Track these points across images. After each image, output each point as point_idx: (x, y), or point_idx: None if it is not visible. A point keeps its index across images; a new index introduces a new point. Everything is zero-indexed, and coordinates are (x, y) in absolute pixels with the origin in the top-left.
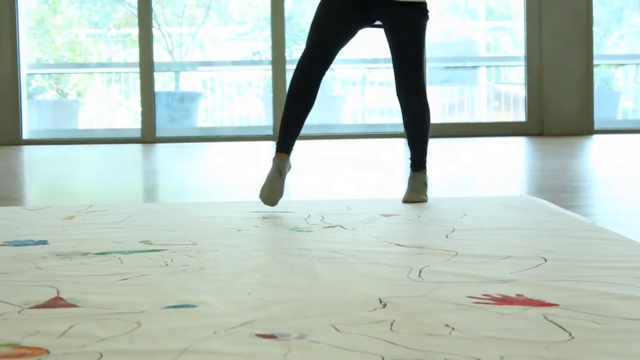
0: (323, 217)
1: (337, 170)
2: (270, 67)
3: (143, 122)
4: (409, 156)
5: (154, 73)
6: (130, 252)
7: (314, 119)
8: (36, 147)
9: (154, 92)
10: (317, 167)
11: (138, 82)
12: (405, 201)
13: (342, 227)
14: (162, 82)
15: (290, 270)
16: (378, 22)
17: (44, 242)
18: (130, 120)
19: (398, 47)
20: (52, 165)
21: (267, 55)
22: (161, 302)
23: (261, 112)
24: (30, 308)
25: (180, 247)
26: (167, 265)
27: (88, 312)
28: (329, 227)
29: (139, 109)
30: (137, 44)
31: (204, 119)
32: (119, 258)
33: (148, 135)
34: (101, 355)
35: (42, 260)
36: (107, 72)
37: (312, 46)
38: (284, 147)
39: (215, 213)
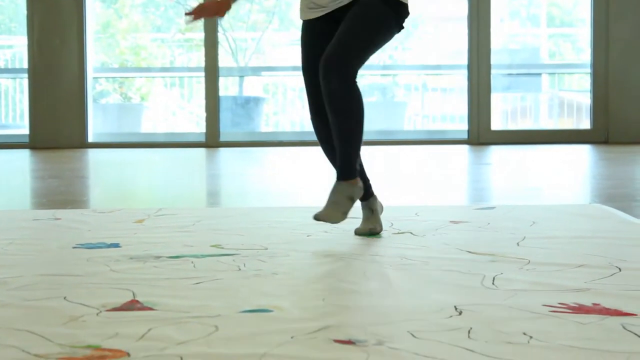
0: (392, 224)
1: (402, 177)
2: None
3: (207, 126)
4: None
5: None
6: (203, 256)
7: (376, 124)
8: (101, 150)
9: (219, 96)
10: (381, 174)
11: (199, 86)
12: (316, 217)
13: (411, 233)
14: (225, 87)
15: (363, 276)
16: None
17: (117, 245)
18: (192, 124)
19: (343, 24)
20: (118, 169)
21: None
22: (237, 306)
23: None
24: (108, 310)
25: (251, 251)
26: (239, 269)
27: (165, 315)
28: (399, 233)
29: (201, 113)
30: (199, 49)
31: (265, 123)
32: (192, 262)
33: (212, 140)
34: (181, 359)
35: (116, 263)
36: (170, 77)
37: (310, 98)
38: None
39: (283, 218)
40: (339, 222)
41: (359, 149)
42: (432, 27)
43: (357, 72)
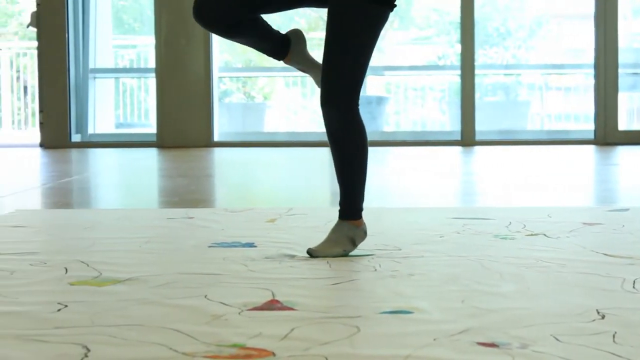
0: (524, 225)
1: (530, 177)
2: (457, 71)
3: None
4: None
5: None
6: (337, 256)
7: (498, 124)
8: (226, 149)
9: None
10: (507, 174)
11: None
12: (309, 252)
13: (545, 235)
14: None
15: (499, 278)
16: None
17: (251, 245)
18: (314, 123)
19: (325, 43)
20: (243, 168)
21: (452, 59)
22: (376, 307)
23: (445, 117)
24: (249, 310)
25: (385, 252)
26: (375, 270)
27: (306, 315)
28: (532, 234)
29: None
30: (320, 48)
31: (389, 122)
32: (327, 262)
33: None
34: (326, 359)
35: (252, 263)
36: (293, 76)
37: None
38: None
39: (414, 219)
40: (338, 255)
41: (363, 186)
42: (555, 26)
43: (359, 95)
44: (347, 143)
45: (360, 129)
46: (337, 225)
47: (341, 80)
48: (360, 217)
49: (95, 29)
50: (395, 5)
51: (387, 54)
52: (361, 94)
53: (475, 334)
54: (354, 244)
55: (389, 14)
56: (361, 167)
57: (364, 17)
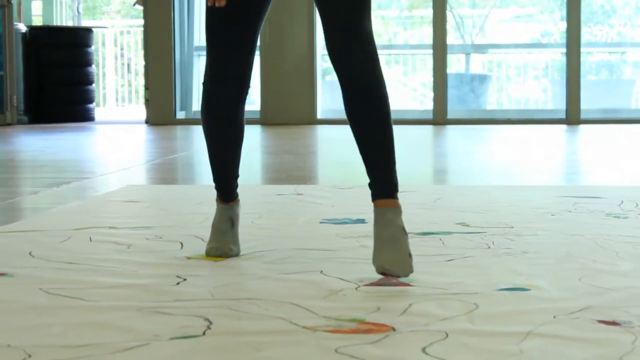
0: (637, 204)
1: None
2: (561, 49)
3: (435, 103)
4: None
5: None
6: (449, 233)
7: (601, 103)
8: (329, 126)
9: (447, 74)
10: (617, 153)
11: (422, 64)
12: (380, 271)
13: None
14: (449, 64)
15: (616, 256)
16: None
17: (362, 221)
18: (415, 101)
19: None
20: (346, 145)
21: (556, 37)
22: (493, 284)
23: (547, 95)
24: (366, 285)
25: (497, 229)
26: (489, 247)
27: (423, 291)
28: None
29: (424, 91)
30: (420, 26)
31: (491, 101)
32: (440, 239)
33: (439, 117)
34: (447, 335)
35: (364, 239)
36: (394, 54)
37: (216, 65)
38: (227, 194)
39: (523, 197)
40: (410, 272)
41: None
42: None
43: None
44: (382, 89)
45: (383, 80)
46: (381, 214)
47: (366, 14)
48: (396, 192)
49: (200, 7)
50: None
51: (488, 31)
52: (465, 72)
53: (596, 312)
54: (406, 232)
55: None
56: (391, 131)
57: None
